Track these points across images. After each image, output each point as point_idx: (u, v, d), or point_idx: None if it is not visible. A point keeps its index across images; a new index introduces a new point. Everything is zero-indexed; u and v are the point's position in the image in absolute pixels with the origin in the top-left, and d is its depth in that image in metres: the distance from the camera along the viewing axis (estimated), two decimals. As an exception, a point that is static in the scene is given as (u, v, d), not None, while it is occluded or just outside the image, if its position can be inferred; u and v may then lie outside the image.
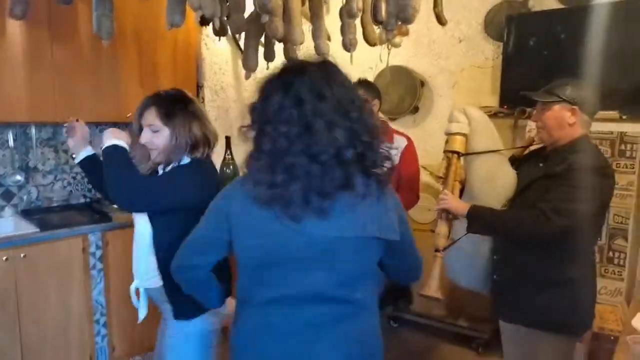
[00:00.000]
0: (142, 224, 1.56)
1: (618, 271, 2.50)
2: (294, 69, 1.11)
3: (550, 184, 1.60)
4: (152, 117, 1.50)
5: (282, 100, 1.05)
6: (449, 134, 1.92)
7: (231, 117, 3.27)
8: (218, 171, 3.04)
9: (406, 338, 3.22)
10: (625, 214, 2.47)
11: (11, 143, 2.59)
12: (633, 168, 2.44)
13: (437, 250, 1.86)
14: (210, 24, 2.43)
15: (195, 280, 1.28)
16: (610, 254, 2.51)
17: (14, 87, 2.31)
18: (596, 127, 2.07)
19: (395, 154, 2.37)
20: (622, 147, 2.46)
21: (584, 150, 1.60)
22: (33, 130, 2.68)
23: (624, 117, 2.59)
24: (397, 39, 2.62)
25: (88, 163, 1.69)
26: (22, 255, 2.22)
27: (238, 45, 3.18)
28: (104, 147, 1.50)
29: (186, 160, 1.54)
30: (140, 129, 1.55)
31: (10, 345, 2.22)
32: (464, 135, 1.88)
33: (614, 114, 2.58)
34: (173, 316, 1.56)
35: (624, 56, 2.61)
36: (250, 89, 3.35)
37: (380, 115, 2.51)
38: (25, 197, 2.69)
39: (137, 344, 2.72)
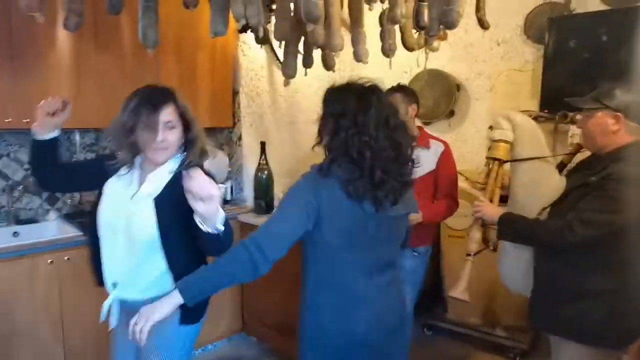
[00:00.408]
0: (140, 226, 1.43)
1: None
2: (371, 90, 1.41)
3: (585, 193, 1.57)
4: (170, 113, 1.43)
5: (377, 118, 1.33)
6: (493, 141, 1.90)
7: (266, 123, 3.29)
8: (254, 176, 3.08)
9: (441, 346, 3.17)
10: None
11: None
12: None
13: (468, 255, 1.87)
14: (250, 31, 2.45)
15: (260, 274, 1.31)
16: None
17: (59, 94, 2.37)
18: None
19: (433, 159, 2.37)
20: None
21: (625, 158, 1.55)
22: (77, 136, 2.76)
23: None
24: (435, 43, 2.59)
25: (45, 145, 1.54)
26: (66, 258, 2.29)
27: (274, 52, 3.19)
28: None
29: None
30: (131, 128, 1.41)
31: (54, 347, 2.28)
32: (508, 142, 1.85)
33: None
34: (179, 321, 1.48)
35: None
36: (285, 95, 3.37)
37: (416, 120, 2.49)
38: (69, 201, 2.77)
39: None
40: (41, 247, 2.23)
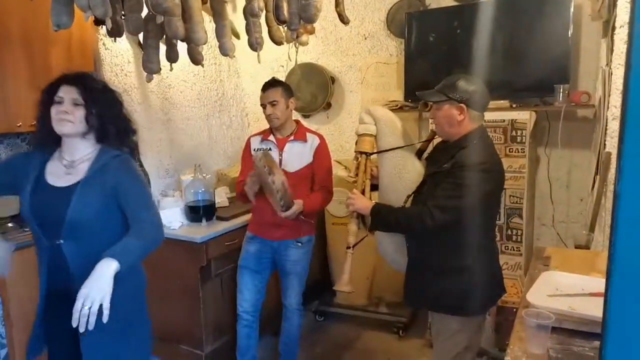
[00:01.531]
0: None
1: (516, 247, 2.73)
2: None
3: (438, 181, 1.72)
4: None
5: None
6: (358, 135, 2.00)
7: (138, 121, 3.10)
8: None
9: (332, 331, 3.29)
10: (519, 194, 2.70)
11: None
12: (524, 152, 2.67)
13: (347, 248, 1.94)
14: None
15: None
16: (509, 232, 2.73)
17: None
18: (490, 116, 2.25)
19: (309, 153, 2.44)
20: (513, 133, 2.68)
21: (468, 146, 1.72)
22: None
23: (513, 105, 2.82)
24: (304, 38, 2.64)
25: None
26: None
27: (140, 46, 3.02)
28: None
29: None
30: None
31: None
32: (372, 135, 1.96)
33: (505, 103, 2.80)
34: None
35: (511, 49, 2.85)
36: (157, 91, 3.20)
37: (295, 113, 2.54)
38: None
39: None
40: None
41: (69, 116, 1.46)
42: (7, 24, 2.33)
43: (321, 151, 2.49)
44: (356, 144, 2.02)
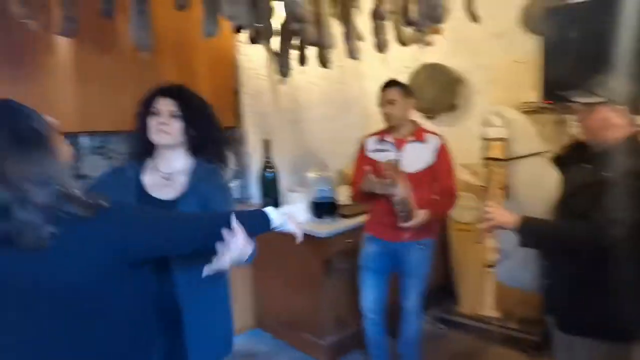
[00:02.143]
0: None
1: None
2: None
3: (603, 191, 1.48)
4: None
5: None
6: (487, 140, 1.83)
7: (269, 122, 3.34)
8: (259, 174, 3.14)
9: (453, 341, 3.16)
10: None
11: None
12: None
13: (489, 266, 1.81)
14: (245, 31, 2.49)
15: None
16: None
17: (65, 100, 2.46)
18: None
19: (429, 154, 2.38)
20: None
21: (634, 151, 1.50)
22: (86, 140, 2.83)
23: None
24: (430, 38, 2.59)
25: None
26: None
27: (272, 52, 3.24)
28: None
29: None
30: None
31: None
32: (503, 139, 1.79)
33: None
34: None
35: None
36: (286, 93, 3.41)
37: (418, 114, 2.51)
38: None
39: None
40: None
41: (167, 127, 1.48)
42: (163, 34, 2.63)
43: (444, 152, 2.43)
44: (485, 149, 1.85)
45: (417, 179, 2.33)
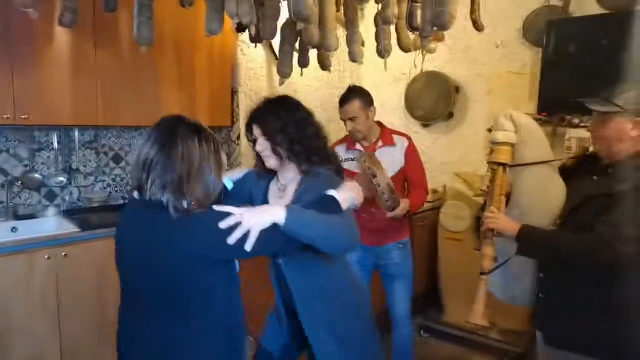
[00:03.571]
0: None
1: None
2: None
3: (610, 204, 1.45)
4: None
5: None
6: (495, 143, 1.76)
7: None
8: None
9: (436, 349, 3.17)
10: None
11: (55, 145, 2.70)
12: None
13: (482, 273, 1.70)
14: (247, 31, 2.47)
15: None
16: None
17: (59, 92, 2.41)
18: None
19: (400, 156, 2.36)
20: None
21: None
22: (76, 133, 2.78)
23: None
24: (432, 45, 2.59)
25: None
26: (62, 253, 2.30)
27: (273, 51, 3.22)
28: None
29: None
30: None
31: (51, 340, 2.30)
32: (511, 144, 1.72)
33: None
34: None
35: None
36: (284, 94, 3.38)
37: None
38: (67, 198, 2.80)
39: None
40: (39, 243, 2.25)
41: (264, 153, 1.51)
42: (162, 30, 2.59)
43: (412, 152, 2.40)
44: (490, 152, 1.78)
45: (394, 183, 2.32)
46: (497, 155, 1.73)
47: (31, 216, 2.64)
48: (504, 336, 3.04)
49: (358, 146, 2.41)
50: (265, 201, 1.59)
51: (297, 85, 3.41)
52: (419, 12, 1.89)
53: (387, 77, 3.63)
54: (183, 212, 1.16)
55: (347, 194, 1.38)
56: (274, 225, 1.20)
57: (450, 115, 3.55)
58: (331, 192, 1.35)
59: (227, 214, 1.18)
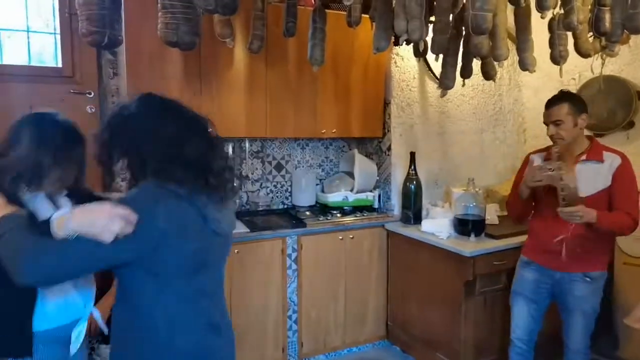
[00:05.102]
0: None
1: None
2: None
3: None
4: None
5: None
6: None
7: (415, 134, 3.30)
8: (402, 186, 3.12)
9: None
10: None
11: (230, 154, 3.05)
12: None
13: None
14: (404, 44, 2.49)
15: None
16: None
17: (235, 109, 2.72)
18: None
19: (607, 175, 2.10)
20: None
21: None
22: (247, 144, 3.11)
23: None
24: (615, 48, 2.31)
25: None
26: (235, 251, 2.59)
27: (427, 64, 3.20)
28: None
29: None
30: None
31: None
32: None
33: None
34: None
35: None
36: (435, 105, 3.33)
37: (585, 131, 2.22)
38: (237, 202, 3.13)
39: (322, 343, 2.93)
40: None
41: None
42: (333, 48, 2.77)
43: (622, 172, 2.08)
44: None
45: (591, 205, 2.06)
46: None
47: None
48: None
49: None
50: None
51: (450, 95, 3.32)
52: (607, 16, 1.71)
53: (552, 84, 3.34)
54: None
55: (72, 217, 1.05)
56: None
57: (631, 124, 3.12)
58: (58, 212, 1.11)
59: None
